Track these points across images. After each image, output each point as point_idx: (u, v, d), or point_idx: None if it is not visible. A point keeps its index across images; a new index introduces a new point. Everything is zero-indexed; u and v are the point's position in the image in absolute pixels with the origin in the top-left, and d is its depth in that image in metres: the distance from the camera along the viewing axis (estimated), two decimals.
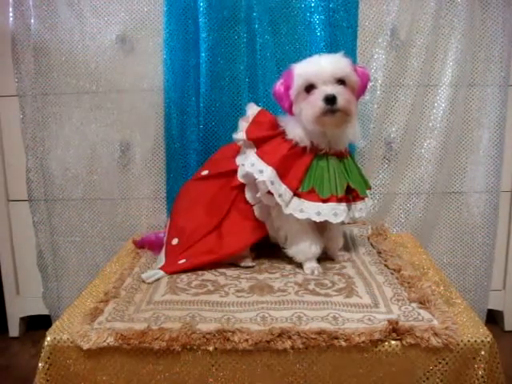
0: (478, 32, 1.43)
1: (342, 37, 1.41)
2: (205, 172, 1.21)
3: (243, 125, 1.15)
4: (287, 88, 1.06)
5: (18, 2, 1.43)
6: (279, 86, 1.09)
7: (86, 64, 1.45)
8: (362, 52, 1.44)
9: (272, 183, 1.04)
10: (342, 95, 1.00)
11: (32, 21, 1.43)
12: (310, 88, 1.02)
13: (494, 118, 1.47)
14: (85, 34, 1.44)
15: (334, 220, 1.04)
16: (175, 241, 1.17)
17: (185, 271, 1.09)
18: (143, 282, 1.06)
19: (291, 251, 1.12)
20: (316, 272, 1.08)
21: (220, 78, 1.43)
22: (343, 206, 1.05)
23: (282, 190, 1.05)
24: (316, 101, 1.01)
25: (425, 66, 1.45)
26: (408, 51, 1.44)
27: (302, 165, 1.06)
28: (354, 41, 1.42)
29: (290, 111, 1.08)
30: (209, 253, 1.12)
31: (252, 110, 1.17)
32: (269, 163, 1.06)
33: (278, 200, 1.04)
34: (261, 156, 1.08)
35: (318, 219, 1.04)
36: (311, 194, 1.05)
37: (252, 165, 1.08)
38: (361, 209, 1.09)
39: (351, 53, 1.41)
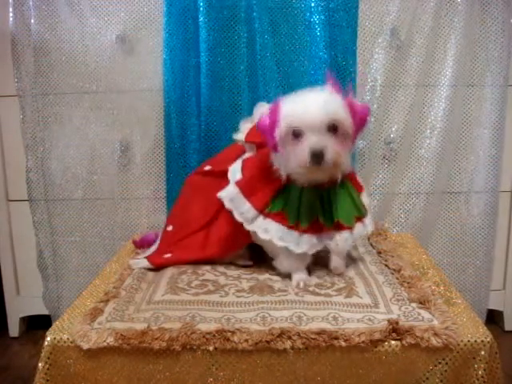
0: (478, 32, 1.43)
1: (341, 37, 1.41)
2: (207, 167, 1.20)
3: (245, 126, 1.13)
4: (273, 126, 0.94)
5: (18, 2, 1.43)
6: (264, 119, 0.96)
7: (85, 64, 1.45)
8: (362, 52, 1.44)
9: (232, 200, 1.03)
10: (331, 148, 0.90)
11: (32, 21, 1.43)
12: (296, 133, 0.92)
13: (494, 118, 1.47)
14: (85, 34, 1.44)
15: (295, 249, 0.99)
16: (170, 227, 1.18)
17: (184, 272, 1.09)
18: (142, 280, 1.06)
19: (274, 263, 1.07)
20: (302, 284, 1.00)
21: (220, 78, 1.43)
22: (306, 236, 0.99)
23: (244, 209, 1.01)
24: (301, 153, 0.90)
25: (424, 66, 1.45)
26: (408, 51, 1.44)
27: (275, 186, 1.00)
28: (353, 41, 1.42)
29: (275, 149, 0.96)
30: (193, 251, 1.12)
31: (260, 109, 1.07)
32: (240, 177, 1.03)
33: (238, 217, 1.02)
34: (242, 166, 1.06)
35: (279, 244, 0.99)
36: (278, 217, 0.99)
37: (234, 172, 1.07)
38: (346, 239, 1.01)
39: (351, 53, 1.41)
